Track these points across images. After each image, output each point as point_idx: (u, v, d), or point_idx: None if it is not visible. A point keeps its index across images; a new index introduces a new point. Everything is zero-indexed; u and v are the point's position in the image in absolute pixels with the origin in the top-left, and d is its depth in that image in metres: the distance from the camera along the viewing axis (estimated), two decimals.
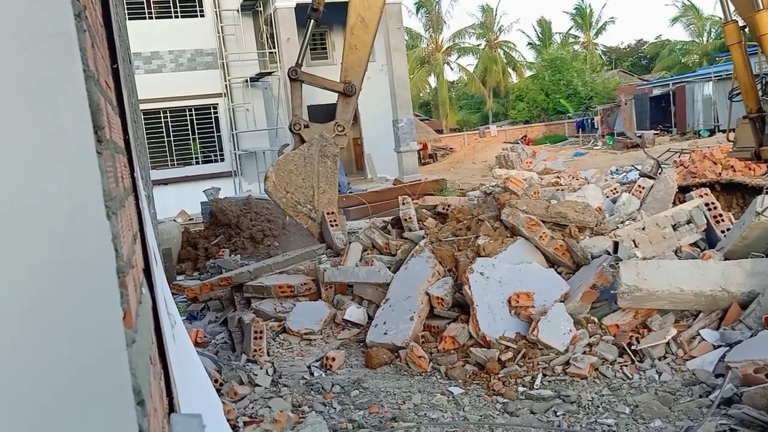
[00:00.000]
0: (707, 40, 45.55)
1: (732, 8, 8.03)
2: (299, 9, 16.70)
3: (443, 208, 6.95)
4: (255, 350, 5.14)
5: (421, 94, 50.99)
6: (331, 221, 7.46)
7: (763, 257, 4.83)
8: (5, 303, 0.48)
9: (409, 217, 6.99)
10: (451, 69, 50.28)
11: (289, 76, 7.39)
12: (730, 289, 4.54)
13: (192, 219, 15.05)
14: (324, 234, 7.09)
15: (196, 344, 5.31)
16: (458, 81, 54.26)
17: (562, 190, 7.96)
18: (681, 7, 47.09)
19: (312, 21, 7.33)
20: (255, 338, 5.21)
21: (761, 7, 7.31)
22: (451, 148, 36.47)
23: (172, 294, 4.74)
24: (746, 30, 7.91)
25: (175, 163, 18.46)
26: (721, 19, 33.34)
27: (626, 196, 7.13)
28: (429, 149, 34.06)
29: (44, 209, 0.78)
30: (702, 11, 45.85)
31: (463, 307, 5.27)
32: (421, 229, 6.54)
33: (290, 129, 7.21)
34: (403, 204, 7.38)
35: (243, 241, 9.88)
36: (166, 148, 18.31)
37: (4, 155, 0.67)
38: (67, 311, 0.71)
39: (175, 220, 13.50)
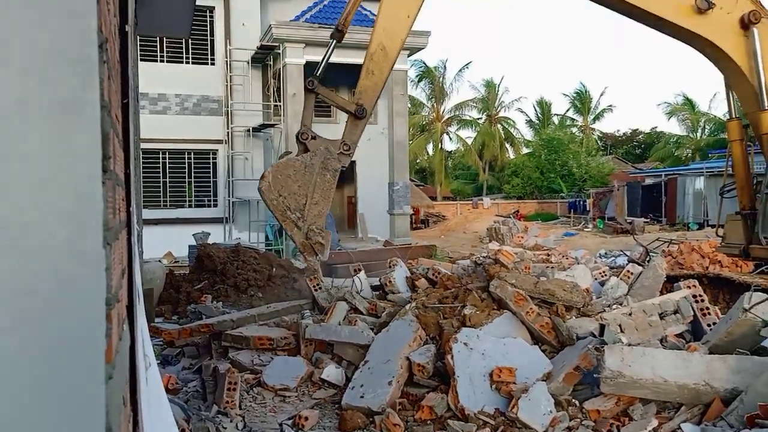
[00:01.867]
0: (701, 136, 46.78)
1: (737, 105, 8.23)
2: (308, 66, 17.13)
3: (433, 275, 6.93)
4: (227, 402, 5.00)
5: (419, 160, 51.71)
6: (314, 286, 7.33)
7: (748, 354, 4.80)
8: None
9: (390, 281, 6.96)
10: (450, 139, 51.13)
11: (306, 86, 7.35)
12: (714, 385, 4.49)
13: (178, 261, 14.92)
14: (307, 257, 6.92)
15: (167, 390, 5.16)
16: (456, 151, 55.16)
17: (552, 267, 7.97)
18: (674, 105, 48.58)
19: (335, 41, 7.36)
20: (228, 389, 5.08)
21: (766, 107, 7.49)
22: (443, 216, 36.73)
23: (150, 335, 4.63)
24: (748, 128, 8.10)
25: (168, 204, 18.45)
26: (715, 116, 34.32)
27: (615, 280, 7.14)
28: (421, 214, 34.29)
29: (46, 228, 0.77)
30: (698, 107, 47.28)
31: (443, 377, 5.17)
32: (414, 288, 6.48)
33: (297, 137, 7.15)
34: (391, 267, 7.36)
35: (227, 289, 9.77)
36: (161, 189, 18.34)
37: (16, 168, 0.66)
38: (52, 334, 0.68)
39: (160, 261, 13.39)
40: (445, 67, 48.54)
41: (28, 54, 0.64)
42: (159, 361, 6.23)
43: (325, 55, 7.26)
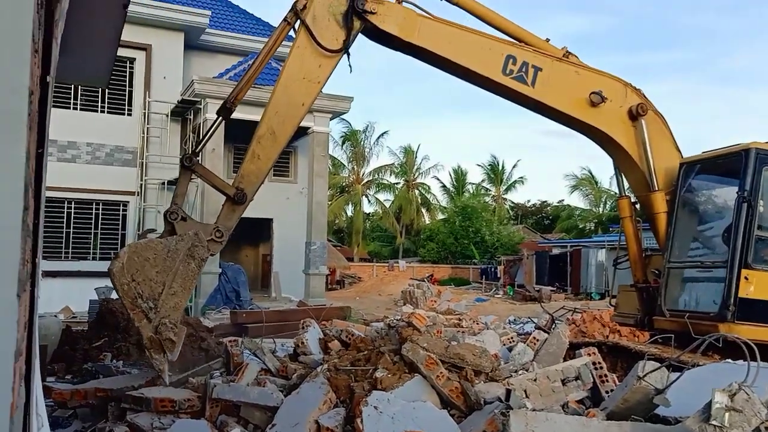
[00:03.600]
0: (602, 210, 49.77)
1: (626, 185, 8.84)
2: (229, 123, 17.03)
3: (346, 337, 6.90)
4: None
5: (337, 221, 51.97)
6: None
7: (642, 421, 5.04)
8: None
9: (303, 342, 6.85)
10: (369, 201, 51.91)
11: (181, 162, 6.79)
12: None
13: (76, 317, 14.07)
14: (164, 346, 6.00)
15: None
16: (374, 213, 55.95)
17: (463, 332, 8.14)
18: (580, 177, 51.70)
19: (221, 118, 7.01)
20: None
21: (656, 188, 8.09)
22: (359, 277, 36.77)
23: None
24: (637, 206, 8.70)
25: (70, 256, 17.51)
26: (615, 193, 36.58)
27: (521, 346, 7.37)
28: (337, 275, 34.20)
29: None
30: (600, 183, 50.48)
31: None
32: (327, 350, 6.37)
33: (165, 216, 6.49)
34: (303, 328, 7.28)
35: (129, 347, 9.27)
36: (63, 239, 17.42)
37: None
38: None
39: (56, 316, 12.58)
40: (371, 129, 49.79)
41: None
42: (49, 422, 5.79)
43: (208, 131, 6.87)
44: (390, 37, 7.16)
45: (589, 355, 6.37)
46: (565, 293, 29.17)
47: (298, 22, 6.83)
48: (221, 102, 7.34)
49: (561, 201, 57.58)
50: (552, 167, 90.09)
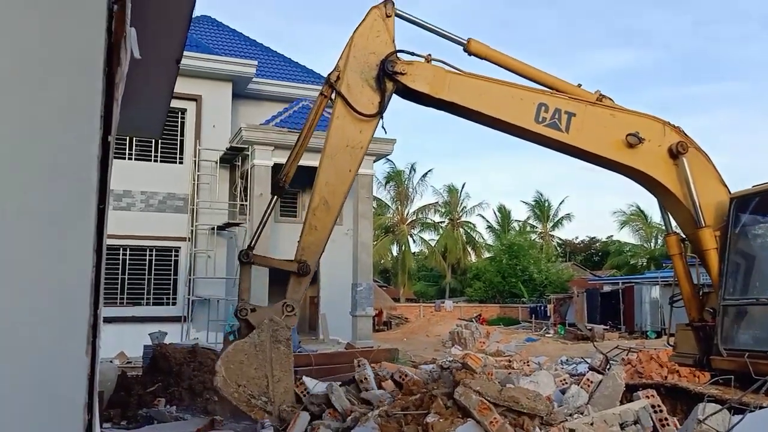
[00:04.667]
0: (655, 246, 48.36)
1: (674, 222, 8.63)
2: (276, 168, 17.48)
3: (400, 377, 6.84)
4: None
5: (382, 261, 51.97)
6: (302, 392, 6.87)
7: None
8: None
9: (365, 378, 6.81)
10: (414, 241, 51.81)
11: (240, 259, 7.11)
12: None
13: (131, 362, 14.34)
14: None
15: None
16: (419, 253, 55.79)
17: (512, 373, 7.95)
18: (628, 214, 50.51)
19: (276, 197, 7.32)
20: None
21: (703, 225, 7.86)
22: (406, 318, 36.49)
23: None
24: (686, 242, 8.46)
25: (125, 301, 17.98)
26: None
27: (575, 389, 7.13)
28: (384, 316, 34.01)
29: (34, 329, 0.81)
30: (650, 218, 49.20)
31: None
32: (380, 389, 6.32)
33: (236, 315, 6.81)
34: (359, 366, 7.24)
35: (181, 392, 9.39)
36: (119, 286, 17.93)
37: (12, 271, 0.72)
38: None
39: (112, 361, 12.86)
40: (414, 169, 49.96)
41: (32, 170, 0.72)
42: None
43: (263, 219, 7.22)
44: (421, 95, 7.36)
45: (648, 397, 6.14)
46: (619, 332, 28.23)
47: (334, 93, 7.14)
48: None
49: (610, 237, 56.35)
50: (598, 203, 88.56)
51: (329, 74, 7.23)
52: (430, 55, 7.44)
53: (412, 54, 7.36)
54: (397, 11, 7.40)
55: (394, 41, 7.32)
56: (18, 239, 0.71)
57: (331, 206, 6.97)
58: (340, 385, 6.84)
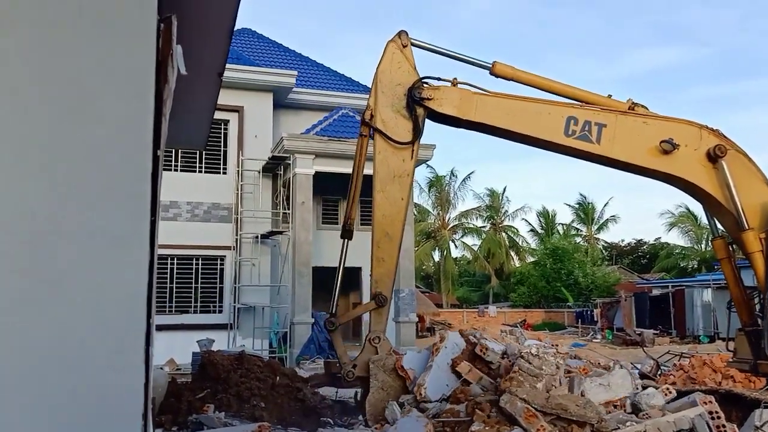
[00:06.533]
0: (705, 247, 46.87)
1: (719, 226, 8.39)
2: (317, 176, 17.67)
3: (481, 352, 6.89)
4: None
5: (424, 267, 51.79)
6: None
7: None
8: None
9: (422, 393, 6.80)
10: (456, 246, 51.46)
11: (326, 328, 7.60)
12: None
13: (180, 369, 14.65)
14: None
15: None
16: (461, 258, 55.35)
17: (577, 375, 7.48)
18: (677, 215, 49.09)
19: (346, 241, 7.68)
20: None
21: (747, 227, 7.64)
22: (449, 324, 36.25)
23: None
24: (734, 246, 8.21)
25: (174, 310, 18.39)
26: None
27: (651, 390, 6.82)
28: (427, 322, 33.87)
29: (94, 340, 0.84)
30: (700, 220, 47.70)
31: None
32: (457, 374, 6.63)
33: (346, 377, 7.29)
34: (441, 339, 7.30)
35: (229, 398, 9.52)
36: (167, 295, 18.36)
37: (74, 285, 0.75)
38: None
39: (162, 368, 13.15)
40: (455, 175, 49.54)
41: (89, 188, 0.74)
42: None
43: (338, 277, 7.73)
44: (450, 118, 7.57)
45: (705, 404, 5.95)
46: (670, 336, 27.44)
47: (371, 131, 7.52)
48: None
49: (658, 239, 54.89)
50: (644, 205, 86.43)
51: (362, 114, 7.63)
52: (455, 78, 7.64)
53: (438, 79, 7.61)
54: (413, 41, 7.64)
55: (416, 69, 7.56)
56: (78, 254, 0.73)
57: (392, 236, 7.29)
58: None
